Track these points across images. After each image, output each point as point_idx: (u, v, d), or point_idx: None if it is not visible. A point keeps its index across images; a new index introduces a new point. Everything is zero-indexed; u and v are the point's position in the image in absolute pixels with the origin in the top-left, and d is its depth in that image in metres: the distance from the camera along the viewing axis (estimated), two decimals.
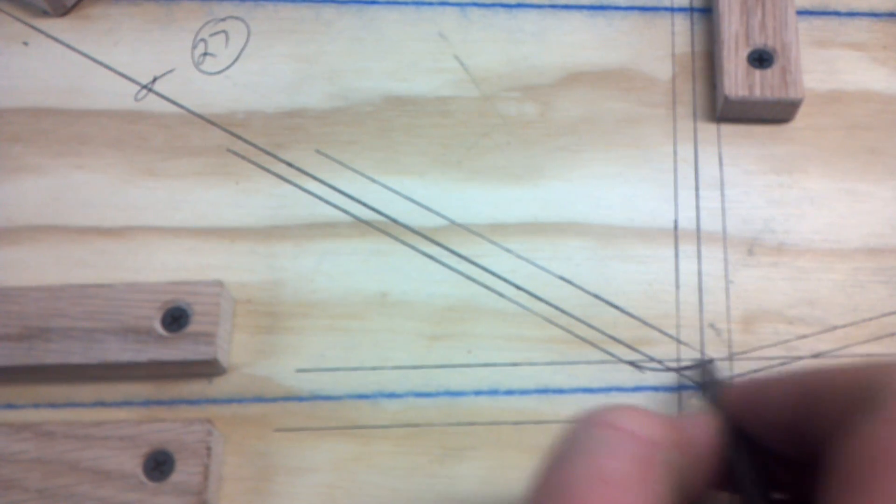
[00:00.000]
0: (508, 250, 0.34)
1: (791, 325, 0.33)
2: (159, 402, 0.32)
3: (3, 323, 0.32)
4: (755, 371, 0.32)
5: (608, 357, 0.33)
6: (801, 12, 0.38)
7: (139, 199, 0.36)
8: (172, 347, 0.31)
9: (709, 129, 0.36)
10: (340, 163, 0.36)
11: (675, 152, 0.36)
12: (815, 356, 0.32)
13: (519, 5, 0.39)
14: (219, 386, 0.33)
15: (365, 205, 0.35)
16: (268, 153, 0.36)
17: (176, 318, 0.32)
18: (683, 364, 0.32)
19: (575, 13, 0.39)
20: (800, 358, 0.32)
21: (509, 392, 0.32)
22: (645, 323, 0.33)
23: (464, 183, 0.36)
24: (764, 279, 0.34)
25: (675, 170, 0.36)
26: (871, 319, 0.33)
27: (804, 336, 0.33)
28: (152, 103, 0.37)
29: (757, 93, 0.35)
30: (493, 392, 0.32)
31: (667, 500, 0.20)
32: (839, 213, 0.35)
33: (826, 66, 0.37)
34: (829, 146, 0.36)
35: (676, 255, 0.34)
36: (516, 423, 0.32)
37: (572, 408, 0.32)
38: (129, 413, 0.32)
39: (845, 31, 0.38)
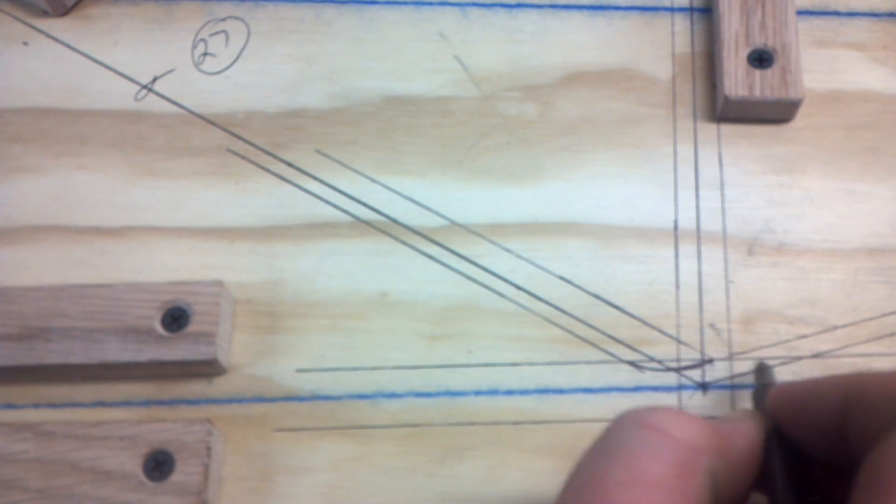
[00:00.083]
0: (508, 250, 0.34)
1: (791, 325, 0.33)
2: (159, 402, 0.32)
3: (3, 323, 0.32)
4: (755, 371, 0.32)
5: (608, 357, 0.33)
6: (801, 12, 0.38)
7: (139, 199, 0.36)
8: (172, 347, 0.31)
9: (709, 129, 0.36)
10: (340, 163, 0.36)
11: (675, 152, 0.36)
12: (815, 356, 0.32)
13: (519, 5, 0.39)
14: (219, 386, 0.33)
15: (365, 205, 0.35)
16: (268, 153, 0.36)
17: (176, 318, 0.32)
18: (683, 364, 0.32)
19: (575, 13, 0.39)
20: (800, 358, 0.32)
21: (509, 392, 0.32)
22: (645, 323, 0.33)
23: (464, 183, 0.36)
24: (764, 279, 0.34)
25: (675, 170, 0.36)
26: (871, 319, 0.33)
27: (804, 336, 0.33)
28: (152, 103, 0.37)
29: (757, 93, 0.35)
30: (493, 392, 0.32)
31: None
32: (839, 213, 0.35)
33: (826, 66, 0.37)
34: (829, 146, 0.36)
35: (676, 255, 0.34)
36: (516, 423, 0.32)
37: (572, 408, 0.32)
38: (129, 413, 0.32)
39: (845, 31, 0.38)
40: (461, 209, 0.35)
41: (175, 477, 0.29)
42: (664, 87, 0.37)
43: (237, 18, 0.39)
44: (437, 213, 0.35)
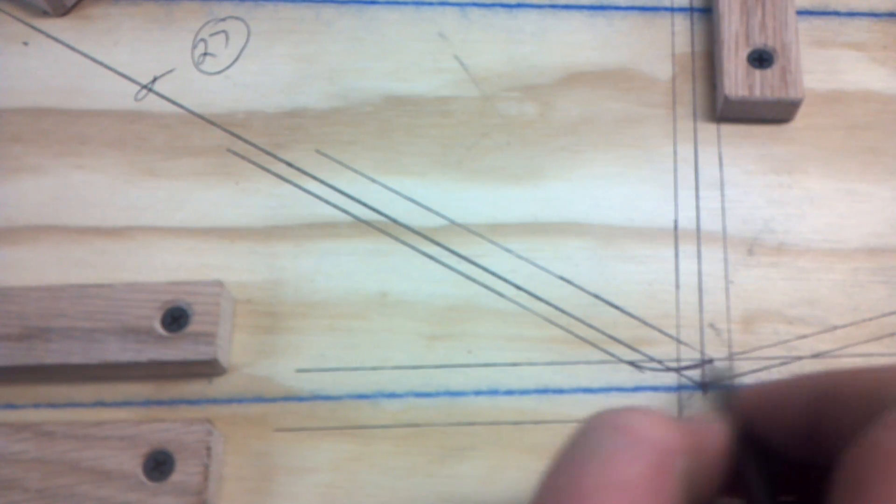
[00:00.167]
0: (508, 250, 0.34)
1: (791, 325, 0.33)
2: (159, 402, 0.32)
3: (3, 323, 0.32)
4: (755, 371, 0.32)
5: (608, 357, 0.33)
6: (801, 12, 0.38)
7: (139, 199, 0.36)
8: (172, 347, 0.31)
9: (709, 129, 0.36)
10: (340, 163, 0.36)
11: (675, 152, 0.36)
12: (815, 356, 0.32)
13: (519, 5, 0.39)
14: (219, 386, 0.33)
15: (365, 205, 0.35)
16: (268, 153, 0.36)
17: (176, 318, 0.32)
18: (683, 364, 0.32)
19: (575, 13, 0.39)
20: (800, 358, 0.32)
21: (509, 392, 0.32)
22: (645, 323, 0.33)
23: (464, 183, 0.36)
24: (764, 279, 0.34)
25: (675, 170, 0.36)
26: (871, 319, 0.33)
27: (804, 336, 0.33)
28: (152, 103, 0.37)
29: (757, 93, 0.35)
30: (493, 392, 0.32)
31: None
32: (839, 213, 0.35)
33: (826, 66, 0.37)
34: (829, 146, 0.36)
35: (676, 255, 0.34)
36: (516, 423, 0.32)
37: (572, 408, 0.32)
38: (129, 413, 0.32)
39: (845, 31, 0.38)
40: (461, 209, 0.35)
41: (175, 477, 0.29)
42: (664, 87, 0.37)
43: (237, 18, 0.39)
44: (437, 213, 0.35)
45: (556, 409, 0.32)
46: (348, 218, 0.35)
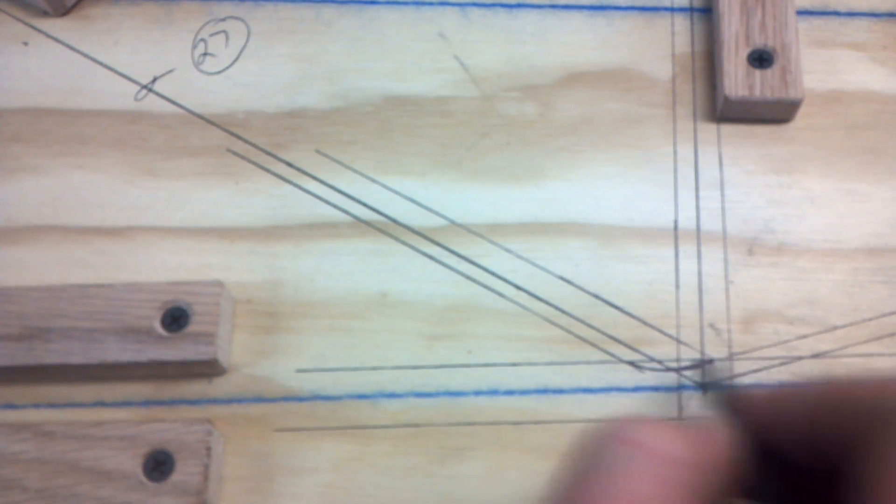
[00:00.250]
0: (508, 250, 0.34)
1: (791, 325, 0.33)
2: (159, 402, 0.32)
3: (3, 323, 0.32)
4: (755, 371, 0.32)
5: (608, 357, 0.33)
6: (801, 12, 0.38)
7: (139, 199, 0.36)
8: (172, 347, 0.31)
9: (709, 129, 0.36)
10: (340, 163, 0.36)
11: (675, 152, 0.36)
12: (815, 356, 0.32)
13: (519, 5, 0.39)
14: (219, 386, 0.33)
15: (365, 205, 0.35)
16: (268, 153, 0.36)
17: (176, 318, 0.32)
18: (683, 364, 0.32)
19: (575, 13, 0.39)
20: (800, 358, 0.32)
21: (509, 392, 0.32)
22: (645, 323, 0.33)
23: (464, 183, 0.36)
24: (764, 279, 0.34)
25: (675, 170, 0.36)
26: (871, 319, 0.33)
27: (804, 336, 0.33)
28: (152, 103, 0.37)
29: (757, 93, 0.35)
30: (493, 392, 0.32)
31: None
32: (839, 213, 0.35)
33: (826, 66, 0.37)
34: (829, 146, 0.36)
35: (676, 255, 0.34)
36: (516, 423, 0.32)
37: (572, 408, 0.32)
38: (129, 413, 0.32)
39: (845, 31, 0.38)
40: (461, 209, 0.35)
41: (175, 477, 0.29)
42: (664, 87, 0.37)
43: (237, 18, 0.39)
44: (437, 213, 0.35)
45: (556, 409, 0.32)
46: (348, 218, 0.35)
